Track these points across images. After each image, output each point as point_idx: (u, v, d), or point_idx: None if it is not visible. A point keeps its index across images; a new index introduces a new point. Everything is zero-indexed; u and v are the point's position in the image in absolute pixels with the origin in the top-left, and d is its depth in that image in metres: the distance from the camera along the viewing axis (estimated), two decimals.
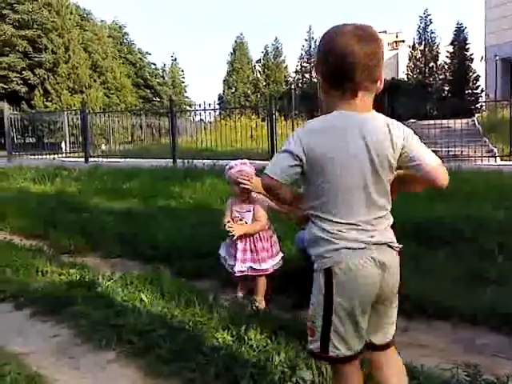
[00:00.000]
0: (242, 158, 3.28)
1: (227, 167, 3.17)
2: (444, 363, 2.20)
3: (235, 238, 2.99)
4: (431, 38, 42.10)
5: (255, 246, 3.05)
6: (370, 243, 1.41)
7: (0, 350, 2.43)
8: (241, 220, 3.08)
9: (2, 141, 17.40)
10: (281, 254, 3.19)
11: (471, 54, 36.79)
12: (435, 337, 2.67)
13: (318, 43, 1.51)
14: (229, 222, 3.02)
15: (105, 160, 14.18)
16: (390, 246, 1.46)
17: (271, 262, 3.08)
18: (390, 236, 1.48)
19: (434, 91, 38.26)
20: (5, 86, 31.56)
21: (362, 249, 1.40)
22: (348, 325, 1.43)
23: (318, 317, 1.46)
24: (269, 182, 1.46)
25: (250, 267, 3.04)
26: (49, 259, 3.90)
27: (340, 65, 1.38)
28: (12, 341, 2.58)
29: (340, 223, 1.41)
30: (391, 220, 1.50)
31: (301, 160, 1.41)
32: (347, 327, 1.43)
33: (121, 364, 2.31)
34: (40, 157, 16.10)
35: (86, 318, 2.70)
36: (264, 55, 47.47)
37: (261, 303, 3.04)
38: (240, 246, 3.04)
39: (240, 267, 3.03)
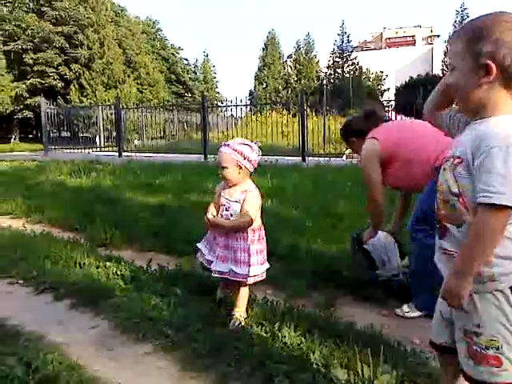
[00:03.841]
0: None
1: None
2: None
3: (207, 227, 2.66)
4: None
5: (238, 243, 2.56)
6: None
7: (42, 340, 2.52)
8: (227, 210, 2.59)
9: (39, 134, 17.85)
10: (266, 265, 2.63)
11: None
12: None
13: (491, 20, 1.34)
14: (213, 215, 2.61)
15: (137, 155, 14.43)
16: None
17: (254, 270, 2.54)
18: None
19: None
20: (42, 82, 32.37)
21: None
22: None
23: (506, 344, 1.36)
24: None
25: (232, 270, 2.55)
26: (86, 252, 4.00)
27: None
28: (52, 331, 2.65)
29: None
30: None
31: None
32: None
33: (157, 356, 2.36)
34: (75, 150, 16.52)
35: (123, 311, 2.77)
36: (296, 50, 47.23)
37: (239, 318, 2.60)
38: (220, 240, 2.59)
39: (219, 267, 2.57)
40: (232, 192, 2.59)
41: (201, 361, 2.25)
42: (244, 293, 2.65)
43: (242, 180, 2.59)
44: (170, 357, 2.34)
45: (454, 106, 1.63)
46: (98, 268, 3.60)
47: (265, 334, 2.44)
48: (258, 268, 2.56)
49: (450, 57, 1.47)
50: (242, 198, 2.54)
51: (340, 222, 4.79)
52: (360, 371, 2.02)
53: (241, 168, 2.54)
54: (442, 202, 1.45)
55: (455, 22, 41.20)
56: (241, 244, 2.54)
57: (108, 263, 3.68)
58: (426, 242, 2.63)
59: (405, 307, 2.89)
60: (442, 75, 39.38)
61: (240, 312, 2.63)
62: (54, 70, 32.67)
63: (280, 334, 2.40)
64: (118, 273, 3.46)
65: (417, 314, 2.85)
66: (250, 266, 2.51)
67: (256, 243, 2.57)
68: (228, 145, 2.56)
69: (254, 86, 47.01)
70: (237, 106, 14.23)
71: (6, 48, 30.64)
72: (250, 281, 2.55)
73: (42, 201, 6.48)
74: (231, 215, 2.57)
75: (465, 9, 40.85)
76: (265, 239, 2.65)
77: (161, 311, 2.72)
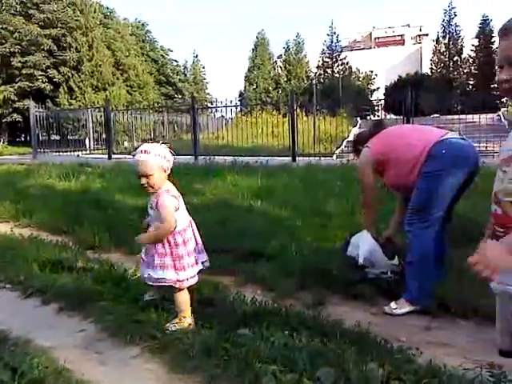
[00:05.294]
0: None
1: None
2: (467, 363, 2.18)
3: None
4: (456, 31, 41.54)
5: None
6: None
7: (29, 344, 2.50)
8: (150, 220, 2.59)
9: (28, 138, 17.75)
10: (197, 268, 2.62)
11: (497, 48, 36.07)
12: (458, 336, 2.64)
13: None
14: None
15: (127, 157, 14.36)
16: None
17: (173, 275, 2.53)
18: None
19: (458, 85, 37.69)
20: (30, 84, 32.11)
21: None
22: None
23: None
24: None
25: (150, 275, 2.57)
26: (74, 255, 3.98)
27: None
28: (40, 335, 2.64)
29: None
30: None
31: None
32: None
33: (145, 359, 2.35)
34: (64, 153, 16.41)
35: (111, 314, 2.76)
36: (285, 51, 47.23)
37: (179, 323, 2.60)
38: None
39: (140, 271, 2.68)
40: (151, 199, 2.54)
41: (189, 362, 2.24)
42: (180, 299, 2.61)
43: (164, 184, 2.54)
44: (158, 359, 2.34)
45: None
46: (86, 271, 3.58)
47: (253, 335, 2.44)
48: (183, 273, 2.53)
49: (504, 51, 1.41)
50: (155, 203, 2.48)
51: (329, 221, 4.81)
52: (347, 368, 2.03)
53: (165, 171, 2.51)
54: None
55: (443, 20, 41.47)
56: (159, 249, 2.50)
57: (96, 266, 3.66)
58: (418, 234, 2.86)
59: (392, 304, 2.92)
60: (430, 74, 39.60)
61: (180, 317, 2.61)
62: (43, 73, 32.42)
63: (267, 334, 2.41)
64: (107, 276, 3.44)
65: (403, 310, 2.88)
66: (166, 270, 2.50)
67: (181, 246, 2.53)
68: (147, 151, 2.45)
69: (244, 87, 46.92)
70: (227, 106, 14.19)
71: None
72: (181, 285, 2.54)
73: (31, 204, 6.42)
74: (148, 225, 2.58)
75: (453, 8, 41.10)
76: (193, 240, 2.62)
77: (148, 314, 2.71)
